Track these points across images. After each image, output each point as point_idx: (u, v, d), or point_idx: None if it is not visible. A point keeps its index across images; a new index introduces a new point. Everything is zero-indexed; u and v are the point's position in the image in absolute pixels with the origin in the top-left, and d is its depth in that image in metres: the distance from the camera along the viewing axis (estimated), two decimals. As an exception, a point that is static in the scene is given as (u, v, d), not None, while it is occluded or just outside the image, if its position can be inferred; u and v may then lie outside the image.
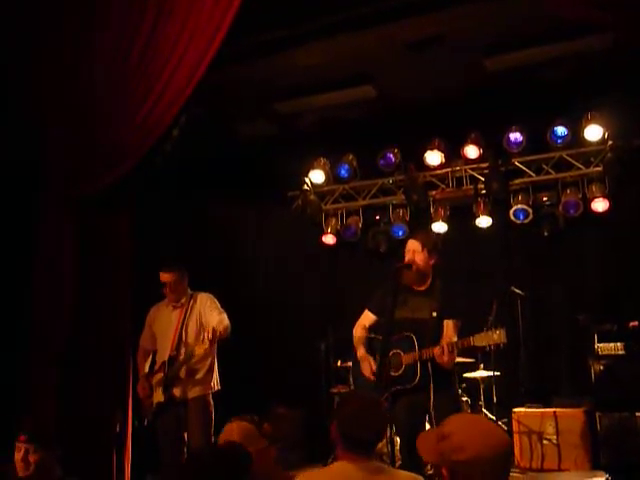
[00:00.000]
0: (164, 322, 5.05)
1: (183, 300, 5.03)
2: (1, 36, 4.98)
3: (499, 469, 1.92)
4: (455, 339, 4.23)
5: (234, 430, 2.91)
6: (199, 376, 4.88)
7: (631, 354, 5.56)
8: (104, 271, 5.03)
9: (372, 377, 4.27)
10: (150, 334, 5.14)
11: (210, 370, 4.95)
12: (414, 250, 4.38)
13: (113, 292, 5.05)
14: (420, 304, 4.37)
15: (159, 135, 4.87)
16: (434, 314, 4.31)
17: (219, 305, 5.00)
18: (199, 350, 4.65)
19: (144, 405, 4.99)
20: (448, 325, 4.31)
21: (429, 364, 4.20)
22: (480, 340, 4.14)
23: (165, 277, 4.96)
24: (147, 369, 5.11)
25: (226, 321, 4.83)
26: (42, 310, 4.85)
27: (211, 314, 4.91)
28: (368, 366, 4.36)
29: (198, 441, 4.68)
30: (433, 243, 4.48)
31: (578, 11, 4.15)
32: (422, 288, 4.43)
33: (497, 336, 4.08)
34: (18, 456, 3.20)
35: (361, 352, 4.51)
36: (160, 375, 4.90)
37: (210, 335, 4.56)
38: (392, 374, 4.18)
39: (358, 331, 4.63)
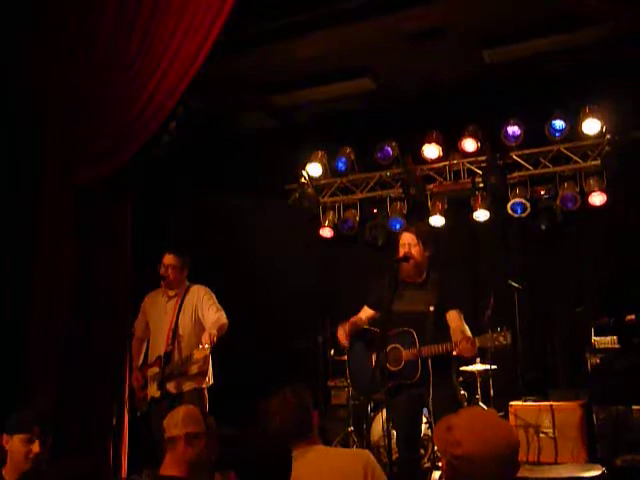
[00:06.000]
0: (158, 312, 5.05)
1: (178, 290, 5.02)
2: (2, 24, 4.96)
3: (497, 471, 1.81)
4: (468, 331, 4.18)
5: (180, 410, 3.22)
6: (195, 371, 4.87)
7: (628, 348, 5.57)
8: (104, 261, 5.04)
9: (344, 341, 4.37)
10: (144, 322, 5.15)
11: (205, 364, 4.93)
12: (409, 243, 4.35)
13: (112, 283, 5.06)
14: (416, 297, 4.33)
15: (157, 126, 4.86)
16: (431, 308, 4.26)
17: (216, 299, 4.98)
18: (199, 355, 4.62)
19: (137, 397, 4.98)
20: (453, 316, 4.26)
21: (429, 360, 4.15)
22: (484, 341, 4.08)
23: (168, 259, 4.98)
24: (142, 360, 5.12)
25: (224, 319, 4.82)
26: (40, 302, 4.84)
27: (209, 311, 4.89)
28: (342, 332, 4.37)
29: None
30: (426, 235, 4.48)
31: (578, 1, 4.14)
32: (418, 281, 4.40)
33: (502, 338, 4.03)
34: (22, 447, 3.04)
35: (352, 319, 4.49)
36: (155, 369, 4.88)
37: (209, 340, 4.54)
38: (391, 369, 4.16)
39: None
